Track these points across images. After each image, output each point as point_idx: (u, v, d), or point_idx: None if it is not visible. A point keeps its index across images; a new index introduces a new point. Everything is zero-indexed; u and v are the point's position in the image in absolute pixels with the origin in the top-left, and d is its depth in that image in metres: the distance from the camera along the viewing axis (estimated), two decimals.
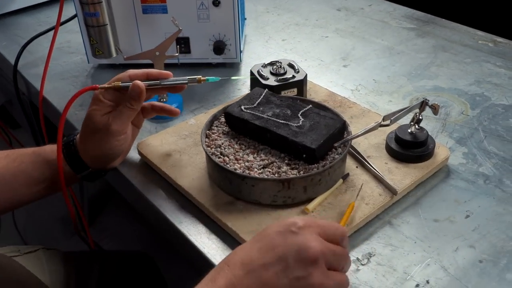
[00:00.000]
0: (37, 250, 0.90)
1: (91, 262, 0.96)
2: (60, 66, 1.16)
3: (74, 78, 1.11)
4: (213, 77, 0.78)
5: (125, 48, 1.06)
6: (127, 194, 0.85)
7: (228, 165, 0.73)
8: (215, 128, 0.82)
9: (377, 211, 0.72)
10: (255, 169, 0.72)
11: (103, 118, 0.74)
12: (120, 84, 0.74)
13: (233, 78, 0.80)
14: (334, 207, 0.71)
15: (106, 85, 0.75)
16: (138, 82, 0.74)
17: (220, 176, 0.74)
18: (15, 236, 1.59)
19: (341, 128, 0.75)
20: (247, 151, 0.76)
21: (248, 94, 0.84)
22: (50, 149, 0.80)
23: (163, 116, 0.95)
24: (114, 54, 1.03)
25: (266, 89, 0.84)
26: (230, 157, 0.74)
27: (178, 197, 0.77)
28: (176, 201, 0.77)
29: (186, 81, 0.78)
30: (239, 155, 0.75)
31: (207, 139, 0.79)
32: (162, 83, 0.77)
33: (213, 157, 0.74)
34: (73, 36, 1.26)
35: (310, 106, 0.79)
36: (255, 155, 0.75)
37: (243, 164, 0.73)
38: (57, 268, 0.89)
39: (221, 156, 0.75)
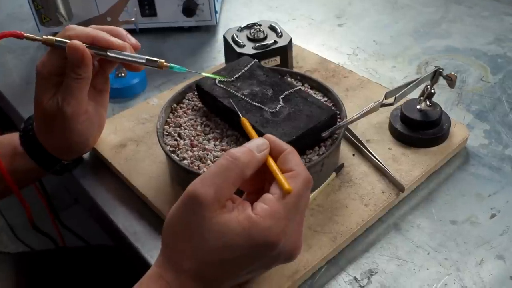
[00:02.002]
0: None
1: (49, 262, 0.85)
2: None
3: (22, 50, 0.94)
4: (179, 67, 0.59)
5: (79, 13, 0.90)
6: (76, 194, 0.71)
7: (178, 152, 0.58)
8: (186, 101, 0.66)
9: (380, 213, 0.57)
10: (209, 161, 0.56)
11: (52, 102, 0.58)
12: (55, 39, 0.56)
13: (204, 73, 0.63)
14: (325, 210, 0.57)
15: (34, 36, 0.59)
16: (76, 42, 0.56)
17: (171, 167, 0.59)
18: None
19: (328, 121, 0.58)
20: (210, 136, 0.60)
21: (230, 64, 0.67)
22: (9, 138, 0.66)
23: (120, 94, 0.79)
24: (63, 22, 0.87)
25: (255, 60, 0.67)
26: (185, 141, 0.59)
27: (133, 199, 0.63)
28: (130, 205, 0.62)
29: (144, 61, 0.58)
30: (197, 140, 0.59)
31: (171, 115, 0.64)
32: (110, 55, 0.58)
33: (165, 139, 0.60)
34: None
35: (300, 87, 0.63)
36: (216, 143, 0.59)
37: (196, 153, 0.57)
38: (6, 274, 0.78)
39: (177, 139, 0.60)
